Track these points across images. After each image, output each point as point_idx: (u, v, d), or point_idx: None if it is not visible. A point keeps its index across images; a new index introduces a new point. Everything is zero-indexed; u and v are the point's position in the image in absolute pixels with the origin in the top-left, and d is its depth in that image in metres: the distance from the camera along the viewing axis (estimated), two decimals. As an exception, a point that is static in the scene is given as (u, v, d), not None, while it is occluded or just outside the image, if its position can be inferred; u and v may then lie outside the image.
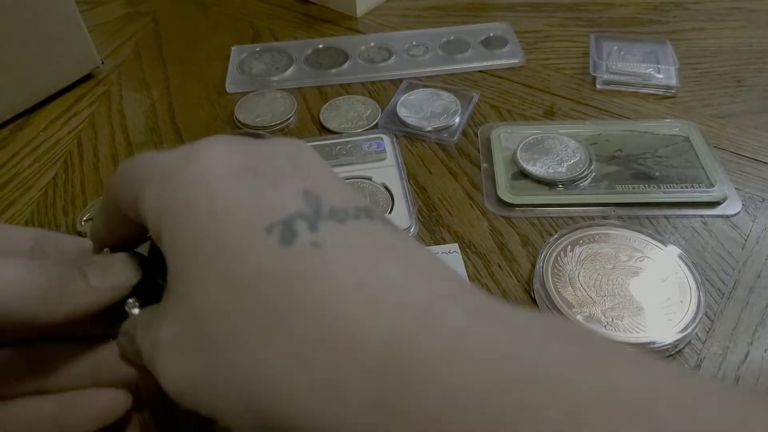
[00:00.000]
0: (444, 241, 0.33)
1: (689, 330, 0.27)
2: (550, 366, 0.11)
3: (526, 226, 0.34)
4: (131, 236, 0.21)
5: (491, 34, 0.51)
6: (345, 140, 0.40)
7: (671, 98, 0.43)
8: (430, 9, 0.56)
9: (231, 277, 0.14)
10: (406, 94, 0.44)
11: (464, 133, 0.41)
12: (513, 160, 0.37)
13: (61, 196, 0.38)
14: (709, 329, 0.28)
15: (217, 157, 0.16)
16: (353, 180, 0.37)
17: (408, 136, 0.41)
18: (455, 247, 0.32)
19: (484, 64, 0.47)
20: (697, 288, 0.29)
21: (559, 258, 0.31)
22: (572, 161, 0.37)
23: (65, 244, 0.23)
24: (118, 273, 0.19)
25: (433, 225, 0.34)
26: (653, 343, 0.26)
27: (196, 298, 0.14)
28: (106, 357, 0.21)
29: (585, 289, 0.29)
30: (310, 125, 0.42)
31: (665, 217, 0.34)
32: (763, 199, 0.35)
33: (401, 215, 0.34)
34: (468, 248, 0.32)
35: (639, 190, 0.35)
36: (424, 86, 0.45)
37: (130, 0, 0.61)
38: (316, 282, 0.13)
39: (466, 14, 0.55)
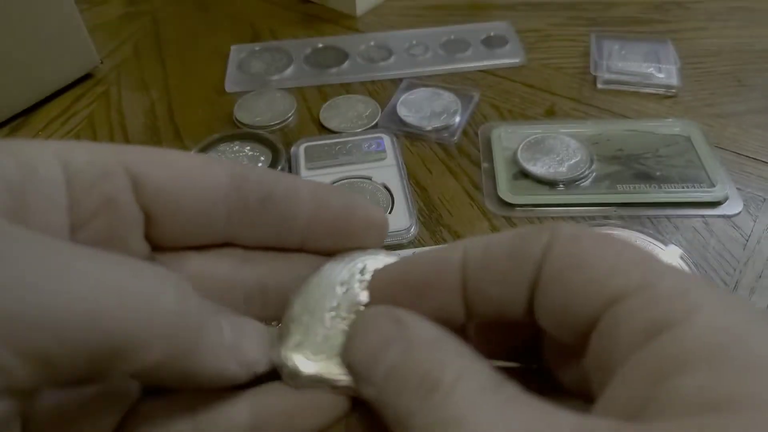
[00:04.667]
0: (444, 241, 0.33)
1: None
2: None
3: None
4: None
5: (492, 34, 0.51)
6: (345, 140, 0.40)
7: (672, 98, 0.43)
8: (431, 8, 0.56)
9: None
10: (406, 94, 0.43)
11: (464, 132, 0.41)
12: (514, 160, 0.37)
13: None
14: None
15: None
16: (353, 180, 0.36)
17: (408, 136, 0.40)
18: (455, 247, 0.32)
19: (485, 63, 0.47)
20: (699, 288, 0.29)
21: (559, 258, 0.31)
22: (573, 161, 0.36)
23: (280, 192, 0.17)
24: None
25: (433, 225, 0.34)
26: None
27: None
28: None
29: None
30: (310, 125, 0.42)
31: (666, 217, 0.34)
32: (765, 199, 0.35)
33: (401, 215, 0.34)
34: (468, 248, 0.32)
35: (640, 189, 0.35)
36: (425, 86, 0.45)
37: (130, -1, 0.61)
38: None
39: (466, 13, 0.55)
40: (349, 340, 0.15)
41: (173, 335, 0.13)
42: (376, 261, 0.18)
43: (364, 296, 0.17)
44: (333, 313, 0.17)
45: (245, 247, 0.18)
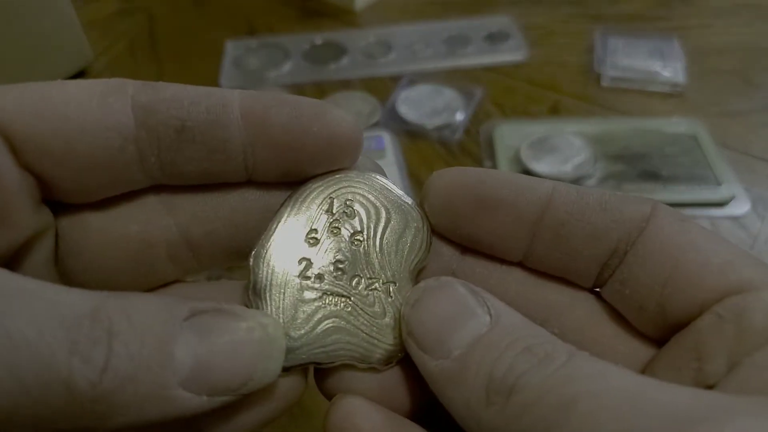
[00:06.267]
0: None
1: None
2: None
3: (530, 227, 0.33)
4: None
5: (494, 29, 0.50)
6: (344, 138, 0.39)
7: (678, 96, 0.42)
8: (432, 3, 0.55)
9: None
10: (407, 91, 0.43)
11: (466, 130, 0.40)
12: (517, 159, 0.36)
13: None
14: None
15: None
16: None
17: (409, 134, 0.40)
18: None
19: (487, 59, 0.46)
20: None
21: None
22: (577, 160, 0.36)
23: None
24: None
25: (434, 225, 0.33)
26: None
27: None
28: None
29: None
30: (309, 122, 0.41)
31: (673, 217, 0.33)
32: (773, 200, 0.34)
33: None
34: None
35: (645, 189, 0.34)
36: (426, 82, 0.44)
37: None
38: None
39: (468, 8, 0.54)
40: (415, 309, 0.13)
41: (75, 416, 0.10)
42: (350, 191, 0.14)
43: (341, 247, 0.14)
44: (307, 281, 0.14)
45: (176, 189, 0.14)
